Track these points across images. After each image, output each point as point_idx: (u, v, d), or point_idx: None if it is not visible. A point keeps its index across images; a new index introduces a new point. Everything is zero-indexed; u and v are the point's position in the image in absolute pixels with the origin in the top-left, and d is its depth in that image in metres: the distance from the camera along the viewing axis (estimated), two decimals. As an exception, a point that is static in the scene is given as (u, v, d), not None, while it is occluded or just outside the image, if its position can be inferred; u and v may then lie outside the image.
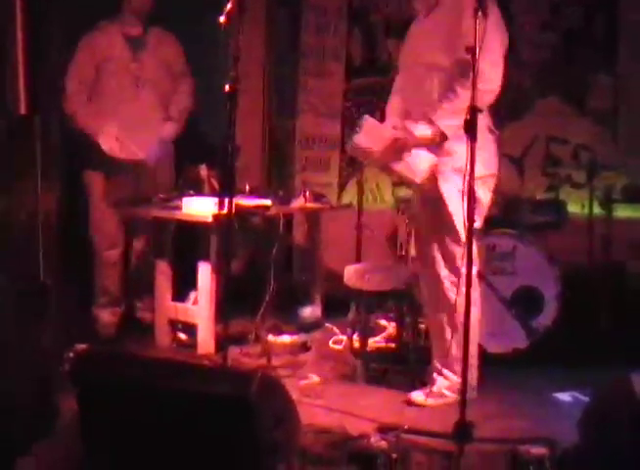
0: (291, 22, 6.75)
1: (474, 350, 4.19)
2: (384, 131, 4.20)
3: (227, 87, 3.70)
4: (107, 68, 5.26)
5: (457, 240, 4.12)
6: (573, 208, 5.85)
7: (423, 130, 4.10)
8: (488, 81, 3.98)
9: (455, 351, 4.08)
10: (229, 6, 3.73)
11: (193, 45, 5.58)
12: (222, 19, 3.69)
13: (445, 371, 4.26)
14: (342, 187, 6.68)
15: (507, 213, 5.42)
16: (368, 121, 4.19)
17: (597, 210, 5.64)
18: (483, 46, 3.70)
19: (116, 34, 5.30)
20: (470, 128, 3.48)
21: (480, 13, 3.55)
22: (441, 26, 4.19)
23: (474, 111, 3.49)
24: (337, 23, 6.70)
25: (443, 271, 4.22)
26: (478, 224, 4.15)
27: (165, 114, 5.39)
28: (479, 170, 3.67)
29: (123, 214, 5.29)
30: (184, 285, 5.19)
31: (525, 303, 5.01)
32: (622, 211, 5.82)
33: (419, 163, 4.12)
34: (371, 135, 4.15)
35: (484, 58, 3.73)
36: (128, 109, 5.23)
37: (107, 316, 5.37)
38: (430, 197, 4.22)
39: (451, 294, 4.15)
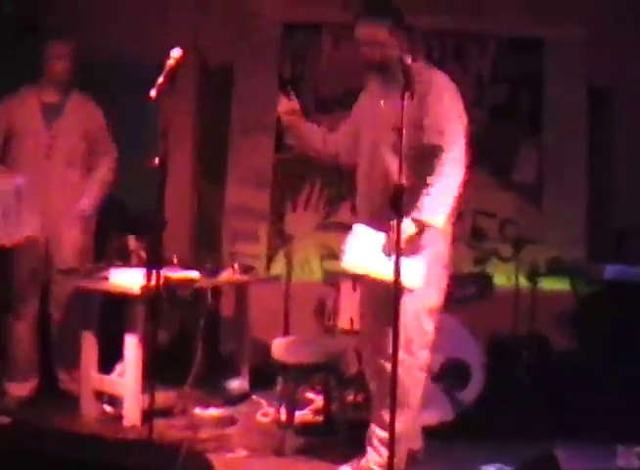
0: (222, 92, 6.80)
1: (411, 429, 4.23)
2: (375, 238, 4.09)
3: (156, 161, 3.71)
4: (18, 135, 5.24)
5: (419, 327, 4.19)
6: (500, 280, 5.95)
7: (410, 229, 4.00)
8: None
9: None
10: (160, 80, 3.76)
11: (122, 116, 5.59)
12: (152, 93, 3.71)
13: (377, 444, 4.22)
14: (270, 259, 6.71)
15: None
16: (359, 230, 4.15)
17: (523, 282, 5.74)
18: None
19: (33, 101, 5.28)
20: (396, 206, 3.52)
21: (407, 94, 3.61)
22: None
23: (400, 189, 3.53)
24: (267, 96, 6.77)
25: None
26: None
27: (80, 184, 5.35)
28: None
29: (41, 285, 5.30)
30: (110, 356, 5.14)
31: (451, 375, 5.05)
32: (547, 284, 5.93)
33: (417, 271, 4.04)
34: (364, 246, 4.08)
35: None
36: (35, 178, 5.13)
37: (16, 390, 5.30)
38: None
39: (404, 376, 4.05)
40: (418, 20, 6.58)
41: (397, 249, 3.54)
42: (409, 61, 3.74)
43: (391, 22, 4.28)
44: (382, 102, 4.27)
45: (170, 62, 3.80)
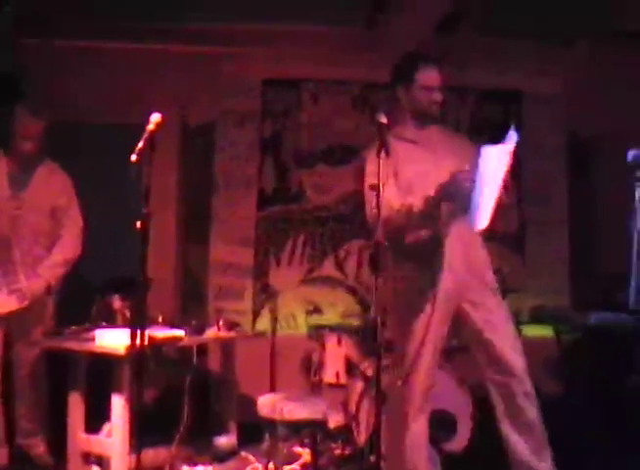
0: (204, 150, 6.87)
1: None
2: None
3: (138, 224, 3.76)
4: None
5: None
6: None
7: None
8: None
9: None
10: (141, 144, 3.82)
11: (105, 177, 5.63)
12: (134, 157, 3.77)
13: None
14: (255, 314, 6.74)
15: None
16: None
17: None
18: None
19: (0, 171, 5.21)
20: (374, 263, 3.59)
21: (382, 153, 3.70)
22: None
23: (378, 245, 3.60)
24: (249, 153, 6.86)
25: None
26: None
27: (45, 255, 5.26)
28: None
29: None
30: (97, 417, 5.14)
31: (438, 427, 5.06)
32: (531, 331, 5.98)
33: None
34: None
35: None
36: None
37: None
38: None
39: None
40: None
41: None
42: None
43: None
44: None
45: (150, 126, 3.87)
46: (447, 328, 4.37)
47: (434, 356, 4.36)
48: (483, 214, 3.96)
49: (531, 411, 4.23)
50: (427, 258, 4.30)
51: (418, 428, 4.37)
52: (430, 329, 4.29)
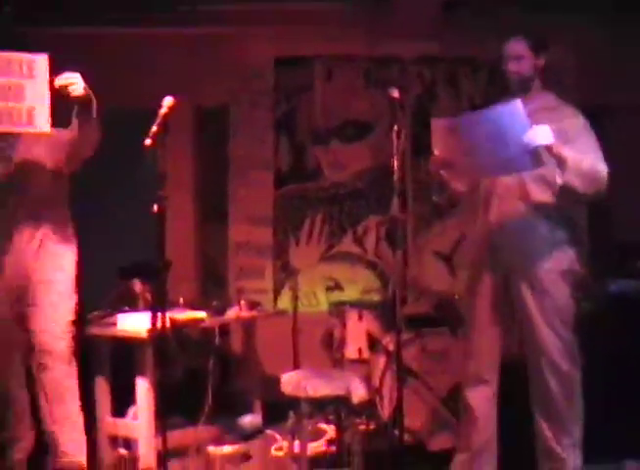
0: (219, 132, 6.89)
1: None
2: None
3: (155, 207, 3.79)
4: None
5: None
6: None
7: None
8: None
9: None
10: (154, 128, 3.85)
11: (120, 163, 5.64)
12: (148, 141, 3.79)
13: None
14: (276, 293, 6.78)
15: (439, 311, 5.54)
16: None
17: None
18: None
19: None
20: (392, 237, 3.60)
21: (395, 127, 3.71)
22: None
23: (395, 220, 3.62)
24: (264, 133, 6.87)
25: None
26: None
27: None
28: None
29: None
30: (122, 400, 5.19)
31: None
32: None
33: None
34: None
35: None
36: None
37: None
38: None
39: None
40: (412, 46, 6.78)
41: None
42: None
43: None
44: None
45: (163, 110, 3.89)
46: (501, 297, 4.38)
47: (491, 326, 4.38)
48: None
49: (559, 392, 4.23)
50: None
51: (474, 398, 4.40)
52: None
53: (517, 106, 3.93)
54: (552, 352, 4.21)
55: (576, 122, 4.29)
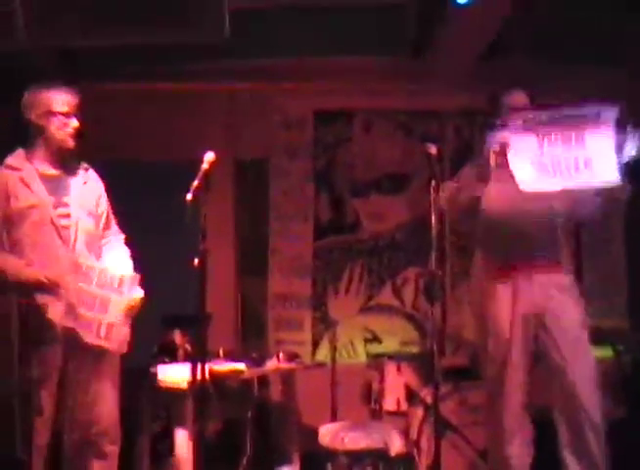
0: (259, 184, 6.97)
1: None
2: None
3: (196, 261, 3.86)
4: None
5: None
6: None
7: None
8: None
9: None
10: (195, 183, 3.92)
11: (161, 215, 5.70)
12: (189, 196, 3.87)
13: None
14: (315, 344, 6.80)
15: (476, 364, 5.53)
16: None
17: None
18: None
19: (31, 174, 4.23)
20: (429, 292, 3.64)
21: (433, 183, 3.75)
22: None
23: (433, 274, 3.65)
24: (303, 186, 6.94)
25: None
26: None
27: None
28: None
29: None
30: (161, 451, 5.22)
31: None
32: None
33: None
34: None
35: None
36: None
37: None
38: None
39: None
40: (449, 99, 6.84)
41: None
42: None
43: None
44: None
45: (204, 166, 3.97)
46: (530, 347, 4.37)
47: (519, 378, 4.36)
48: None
49: (595, 444, 4.22)
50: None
51: (514, 451, 4.37)
52: (511, 351, 4.33)
53: (615, 112, 3.86)
54: (591, 407, 4.21)
55: None
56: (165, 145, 6.54)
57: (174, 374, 4.89)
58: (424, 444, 5.25)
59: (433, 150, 3.97)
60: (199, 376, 4.06)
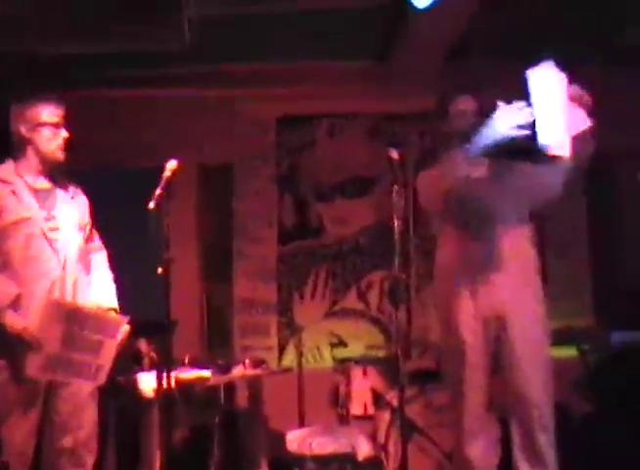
0: (223, 190, 6.96)
1: None
2: None
3: (160, 270, 3.85)
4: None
5: None
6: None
7: None
8: None
9: None
10: (157, 192, 3.91)
11: (123, 223, 5.67)
12: (151, 205, 3.85)
13: None
14: (281, 350, 6.80)
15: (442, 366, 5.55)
16: None
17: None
18: None
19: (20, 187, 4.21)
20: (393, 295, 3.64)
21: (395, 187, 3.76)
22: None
23: (397, 278, 3.66)
24: (267, 190, 6.94)
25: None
26: None
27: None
28: None
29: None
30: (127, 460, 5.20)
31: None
32: (557, 352, 5.97)
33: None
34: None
35: None
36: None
37: None
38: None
39: None
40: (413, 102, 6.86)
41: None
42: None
43: None
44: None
45: (167, 173, 3.96)
46: (491, 348, 4.33)
47: (479, 379, 4.33)
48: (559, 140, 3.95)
49: (546, 445, 4.22)
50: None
51: (476, 453, 4.33)
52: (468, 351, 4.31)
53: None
54: (542, 408, 4.23)
55: None
56: (130, 151, 6.52)
57: (140, 382, 4.87)
58: (391, 447, 5.27)
59: (395, 154, 3.97)
60: (165, 384, 4.05)
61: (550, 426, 4.24)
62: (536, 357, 4.29)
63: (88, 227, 4.47)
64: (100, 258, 4.56)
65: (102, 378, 4.27)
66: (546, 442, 4.22)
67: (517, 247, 4.35)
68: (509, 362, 4.31)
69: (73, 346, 4.14)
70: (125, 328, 4.38)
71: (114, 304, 4.45)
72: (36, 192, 4.23)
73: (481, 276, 4.28)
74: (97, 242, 4.58)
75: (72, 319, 4.14)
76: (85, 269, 4.40)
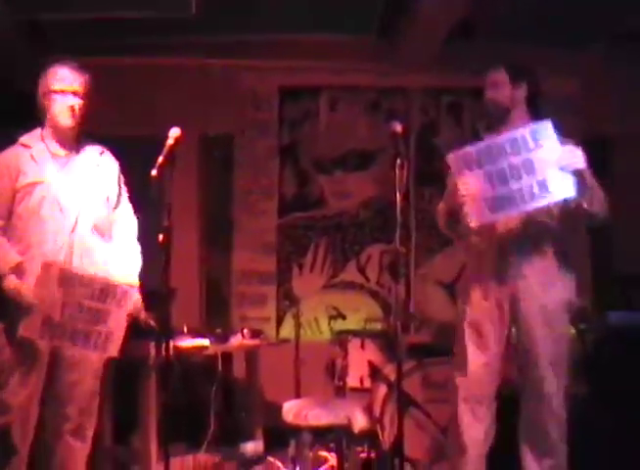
0: (224, 160, 6.95)
1: None
2: None
3: (160, 237, 3.83)
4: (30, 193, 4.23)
5: None
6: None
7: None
8: None
9: None
10: (160, 159, 3.89)
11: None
12: (154, 172, 3.84)
13: None
14: (279, 321, 6.82)
15: (440, 340, 5.56)
16: None
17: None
18: None
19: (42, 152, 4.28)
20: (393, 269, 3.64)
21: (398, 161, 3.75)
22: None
23: (397, 252, 3.65)
24: (268, 162, 6.93)
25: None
26: None
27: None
28: None
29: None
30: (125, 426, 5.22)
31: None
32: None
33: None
34: None
35: None
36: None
37: None
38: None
39: None
40: (416, 77, 6.85)
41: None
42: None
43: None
44: None
45: (169, 141, 3.94)
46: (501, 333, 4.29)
47: (483, 360, 4.30)
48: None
49: (555, 433, 4.19)
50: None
51: (471, 435, 4.32)
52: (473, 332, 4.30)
53: (548, 126, 3.89)
54: (553, 395, 4.18)
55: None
56: (132, 119, 6.50)
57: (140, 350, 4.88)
58: (387, 420, 5.28)
59: (398, 128, 3.95)
60: (163, 352, 4.05)
61: (562, 414, 4.20)
62: (552, 340, 4.22)
63: (115, 195, 4.48)
64: (124, 228, 4.52)
65: (112, 349, 4.22)
66: (556, 432, 4.18)
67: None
68: (522, 346, 4.28)
69: (78, 314, 4.13)
70: (137, 298, 4.36)
71: (130, 277, 4.40)
72: (56, 157, 4.29)
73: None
74: (124, 210, 4.55)
75: (71, 284, 4.12)
76: (104, 237, 4.40)
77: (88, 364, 4.32)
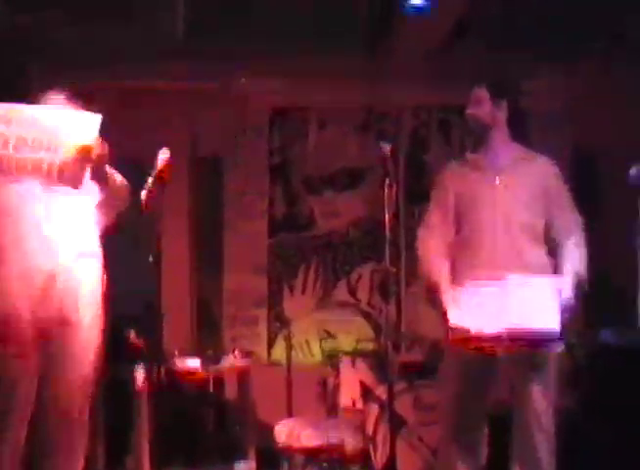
0: (214, 181, 6.95)
1: None
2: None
3: (150, 260, 3.83)
4: None
5: None
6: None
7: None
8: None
9: None
10: (150, 180, 3.86)
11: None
12: (143, 194, 3.81)
13: None
14: (270, 342, 6.81)
15: (432, 361, 5.56)
16: None
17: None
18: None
19: None
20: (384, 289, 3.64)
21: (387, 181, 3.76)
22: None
23: (387, 272, 3.66)
24: (258, 182, 6.93)
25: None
26: None
27: None
28: None
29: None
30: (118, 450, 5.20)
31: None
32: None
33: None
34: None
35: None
36: None
37: None
38: None
39: None
40: (404, 96, 6.86)
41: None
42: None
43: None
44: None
45: (159, 163, 3.92)
46: None
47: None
48: None
49: (544, 449, 4.18)
50: None
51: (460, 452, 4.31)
52: None
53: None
54: (541, 408, 4.19)
55: (553, 173, 4.38)
56: (119, 144, 6.49)
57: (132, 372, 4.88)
58: (379, 440, 5.27)
59: (386, 149, 3.97)
60: (154, 375, 4.04)
61: (550, 430, 4.20)
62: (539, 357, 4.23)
63: None
64: None
65: (71, 179, 3.77)
66: (545, 447, 4.18)
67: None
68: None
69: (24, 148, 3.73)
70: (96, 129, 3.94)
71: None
72: None
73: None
74: None
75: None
76: None
77: (76, 345, 3.89)
